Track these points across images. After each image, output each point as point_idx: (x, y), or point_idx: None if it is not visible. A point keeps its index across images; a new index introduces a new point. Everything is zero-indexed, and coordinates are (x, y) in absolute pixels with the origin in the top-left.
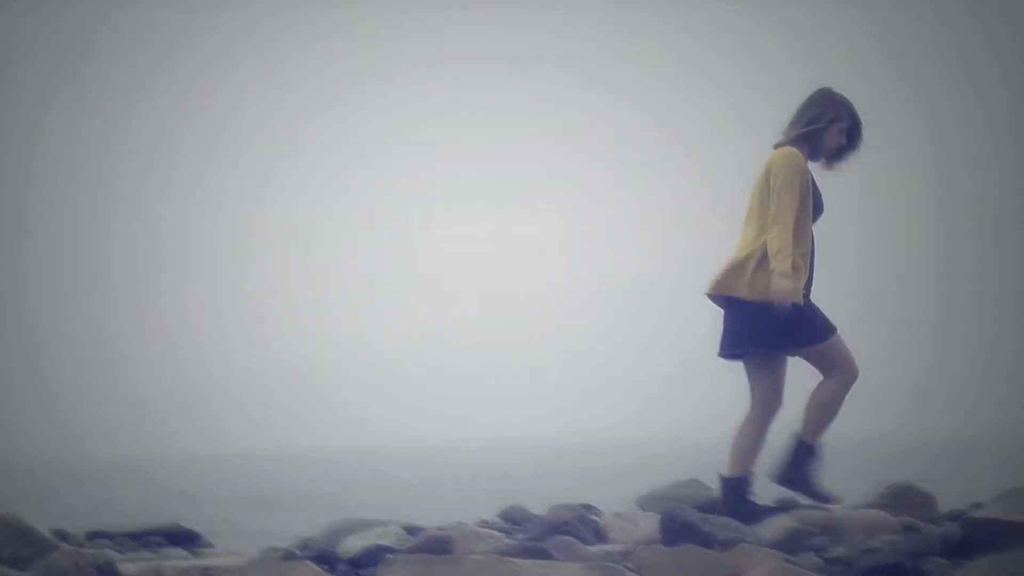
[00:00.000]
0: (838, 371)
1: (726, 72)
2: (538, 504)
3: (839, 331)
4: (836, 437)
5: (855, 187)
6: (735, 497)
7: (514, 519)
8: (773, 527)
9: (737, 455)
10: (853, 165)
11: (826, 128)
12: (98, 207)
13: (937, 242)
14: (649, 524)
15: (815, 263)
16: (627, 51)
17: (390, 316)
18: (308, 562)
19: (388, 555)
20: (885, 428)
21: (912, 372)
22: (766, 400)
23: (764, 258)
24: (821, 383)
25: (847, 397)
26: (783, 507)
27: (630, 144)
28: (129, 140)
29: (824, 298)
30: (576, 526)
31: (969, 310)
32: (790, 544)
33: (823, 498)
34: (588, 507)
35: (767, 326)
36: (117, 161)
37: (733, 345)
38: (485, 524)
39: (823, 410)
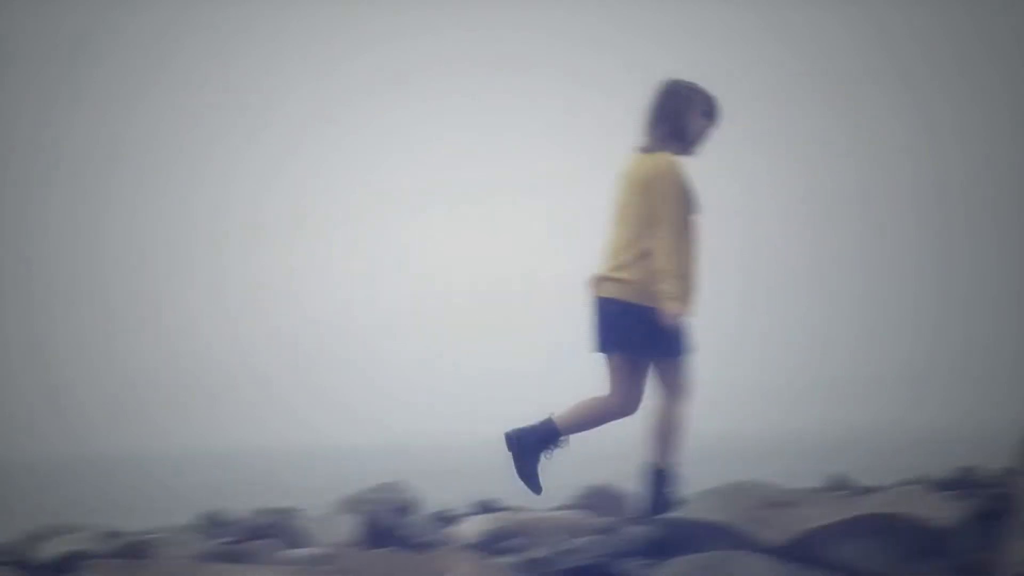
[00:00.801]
0: (681, 390)
1: (723, 71)
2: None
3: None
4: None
5: (853, 186)
6: (531, 447)
7: (216, 522)
8: (472, 528)
9: (571, 418)
10: (849, 164)
11: (688, 116)
12: (98, 203)
13: (935, 238)
14: (350, 527)
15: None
16: (628, 53)
17: (390, 312)
18: (4, 567)
19: (85, 560)
20: (884, 420)
21: (910, 365)
22: (624, 398)
23: (640, 261)
24: (662, 406)
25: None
26: (483, 509)
27: (628, 143)
28: (129, 136)
29: (823, 297)
30: (277, 529)
31: (968, 305)
32: (489, 545)
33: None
34: (290, 510)
35: (638, 331)
36: (117, 158)
37: (609, 344)
38: (186, 528)
39: (672, 433)
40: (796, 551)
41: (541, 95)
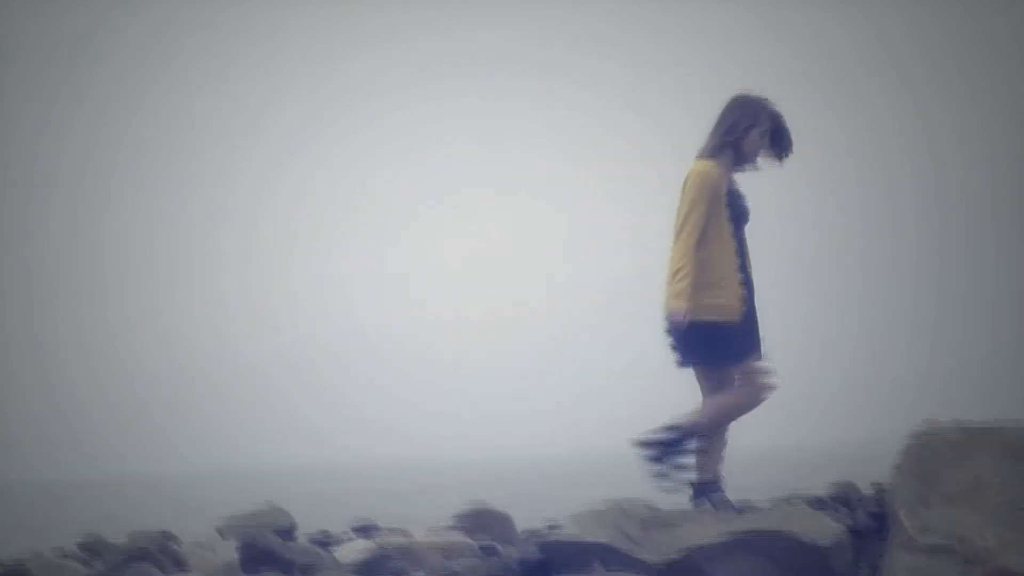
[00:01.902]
0: (713, 396)
1: (725, 73)
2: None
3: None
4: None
5: (852, 185)
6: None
7: (93, 549)
8: (353, 551)
9: (708, 414)
10: (849, 164)
11: (744, 135)
12: (98, 203)
13: (935, 238)
14: (228, 551)
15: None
16: (628, 53)
17: (390, 315)
18: None
19: None
20: (887, 427)
21: (911, 370)
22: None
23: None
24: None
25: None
26: (362, 532)
27: (633, 147)
28: (129, 136)
29: (822, 298)
30: (155, 555)
31: (968, 307)
32: (370, 568)
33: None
34: (168, 535)
35: (674, 341)
36: (117, 158)
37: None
38: (63, 554)
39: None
40: (676, 571)
41: (542, 95)
